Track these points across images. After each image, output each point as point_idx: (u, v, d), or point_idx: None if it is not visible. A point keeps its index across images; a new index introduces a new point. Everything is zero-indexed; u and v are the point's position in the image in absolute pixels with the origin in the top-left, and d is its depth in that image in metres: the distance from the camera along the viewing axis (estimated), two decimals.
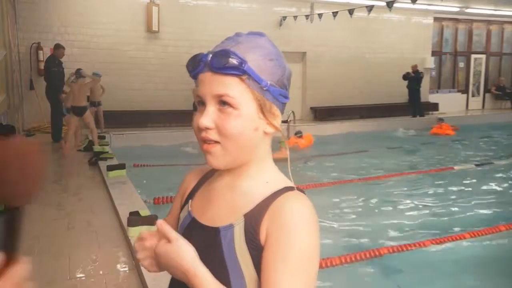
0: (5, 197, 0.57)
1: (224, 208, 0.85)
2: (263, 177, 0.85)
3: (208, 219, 0.85)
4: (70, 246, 3.60)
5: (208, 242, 0.82)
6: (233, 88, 0.79)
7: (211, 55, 0.80)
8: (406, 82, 12.96)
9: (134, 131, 9.26)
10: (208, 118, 0.80)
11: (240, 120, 0.79)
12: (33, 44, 9.63)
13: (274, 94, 0.82)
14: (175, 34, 10.78)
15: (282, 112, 0.85)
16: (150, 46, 10.75)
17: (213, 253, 0.81)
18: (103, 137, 8.35)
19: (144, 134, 9.14)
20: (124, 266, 3.22)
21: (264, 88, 0.80)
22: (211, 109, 0.80)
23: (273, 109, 0.82)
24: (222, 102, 0.79)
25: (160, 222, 0.79)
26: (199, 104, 0.83)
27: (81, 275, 3.11)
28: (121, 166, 5.80)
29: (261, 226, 0.79)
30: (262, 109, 0.81)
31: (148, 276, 2.77)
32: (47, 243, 3.66)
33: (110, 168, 5.70)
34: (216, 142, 0.81)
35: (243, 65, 0.78)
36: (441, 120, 11.59)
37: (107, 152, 7.00)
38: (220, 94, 0.79)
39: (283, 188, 0.82)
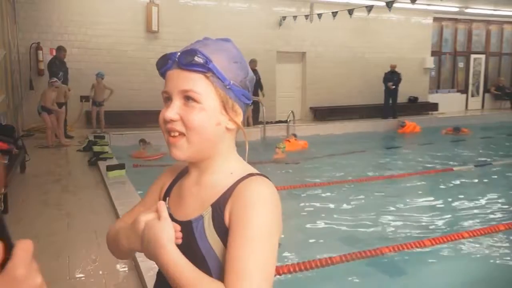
0: None
1: (193, 203, 0.92)
2: (227, 170, 0.91)
3: (182, 214, 0.92)
4: (69, 246, 3.60)
5: (183, 235, 0.87)
6: (198, 84, 0.85)
7: (179, 53, 0.86)
8: (392, 82, 12.68)
9: (133, 131, 9.26)
10: (173, 111, 0.86)
11: (203, 113, 0.85)
12: (32, 44, 9.62)
13: (236, 93, 0.88)
14: (174, 34, 10.77)
15: (244, 112, 0.91)
16: (149, 46, 10.74)
17: (189, 244, 0.87)
18: (103, 137, 8.35)
19: (143, 134, 9.13)
20: (123, 266, 3.22)
21: (227, 87, 0.86)
22: (177, 103, 0.86)
23: (235, 107, 0.89)
24: (187, 97, 0.85)
25: (160, 202, 0.86)
26: (166, 100, 0.89)
27: (81, 275, 3.11)
28: (120, 166, 5.80)
29: (225, 210, 0.85)
30: (224, 106, 0.87)
31: (148, 276, 2.77)
32: (47, 243, 3.66)
33: (110, 168, 5.70)
34: (181, 134, 0.87)
35: (208, 63, 0.84)
36: (403, 123, 11.44)
37: (107, 152, 7.00)
38: (186, 89, 0.85)
39: (246, 175, 0.87)
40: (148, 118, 10.36)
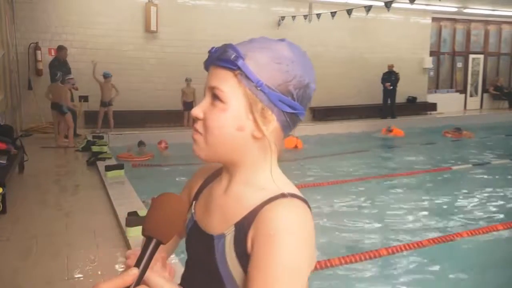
0: (156, 232, 0.71)
1: (218, 215, 0.84)
2: (258, 184, 0.81)
3: (206, 224, 0.86)
4: (68, 246, 3.59)
5: (204, 247, 0.83)
6: (226, 82, 0.77)
7: (215, 48, 0.81)
8: (390, 82, 12.65)
9: (132, 131, 9.25)
10: (199, 108, 0.81)
11: (224, 114, 0.77)
12: (31, 44, 9.61)
13: (270, 97, 0.77)
14: (173, 34, 10.77)
15: (289, 125, 0.81)
16: (148, 46, 10.74)
17: (208, 258, 0.81)
18: (101, 137, 8.35)
19: (142, 134, 9.12)
20: (122, 266, 3.21)
21: (258, 88, 0.76)
22: (206, 100, 0.81)
23: (267, 113, 0.77)
24: (214, 96, 0.79)
25: (132, 271, 0.71)
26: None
27: (79, 275, 3.11)
28: (119, 166, 5.80)
29: (248, 235, 0.76)
30: (252, 109, 0.77)
31: None
32: (46, 243, 3.66)
33: (109, 168, 5.70)
34: (201, 133, 0.81)
35: (237, 59, 0.76)
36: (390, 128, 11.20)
37: (106, 152, 6.99)
38: (213, 86, 0.79)
39: (277, 195, 0.77)
40: (147, 118, 10.39)
